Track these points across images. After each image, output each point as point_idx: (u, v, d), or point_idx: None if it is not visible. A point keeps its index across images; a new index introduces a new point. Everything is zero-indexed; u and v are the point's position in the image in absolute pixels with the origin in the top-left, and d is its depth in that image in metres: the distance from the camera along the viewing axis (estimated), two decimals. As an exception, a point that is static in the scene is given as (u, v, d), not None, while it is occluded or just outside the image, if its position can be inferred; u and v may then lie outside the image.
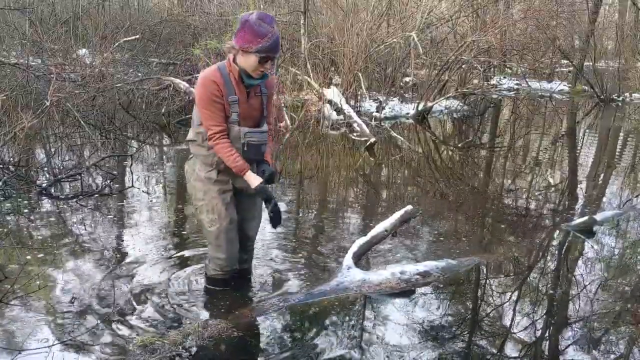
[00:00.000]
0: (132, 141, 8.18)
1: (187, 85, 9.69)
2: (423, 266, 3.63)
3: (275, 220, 3.20)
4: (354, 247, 3.67)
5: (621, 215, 5.15)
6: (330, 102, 9.66)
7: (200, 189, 3.19)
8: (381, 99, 11.15)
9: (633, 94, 15.37)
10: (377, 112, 10.63)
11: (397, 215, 4.02)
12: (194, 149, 3.18)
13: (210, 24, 13.82)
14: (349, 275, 3.42)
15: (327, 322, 3.12)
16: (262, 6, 11.81)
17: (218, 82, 2.93)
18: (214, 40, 10.89)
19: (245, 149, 3.09)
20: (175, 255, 3.97)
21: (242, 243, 3.38)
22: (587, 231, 4.71)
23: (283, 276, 3.68)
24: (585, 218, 4.76)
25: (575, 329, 3.22)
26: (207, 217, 3.20)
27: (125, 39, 12.79)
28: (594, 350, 3.00)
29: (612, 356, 2.96)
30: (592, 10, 16.03)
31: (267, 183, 3.15)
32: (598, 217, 4.82)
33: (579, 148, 9.40)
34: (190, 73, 11.17)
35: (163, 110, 9.55)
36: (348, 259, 3.55)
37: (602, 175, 7.33)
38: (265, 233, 4.38)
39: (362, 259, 3.86)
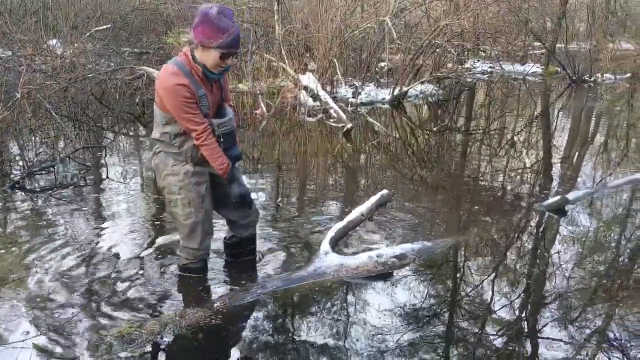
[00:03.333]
0: (107, 132, 8.09)
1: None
2: (399, 249, 3.68)
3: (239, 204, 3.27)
4: (331, 232, 3.70)
5: (593, 194, 5.26)
6: (306, 88, 9.63)
7: (174, 183, 3.14)
8: (357, 85, 11.15)
9: (604, 75, 15.58)
10: (353, 97, 10.63)
11: (373, 199, 4.05)
12: (163, 147, 3.14)
13: (183, 12, 13.66)
14: (327, 260, 3.45)
15: (307, 307, 3.15)
16: (235, -7, 11.70)
17: (185, 83, 2.86)
18: (187, 28, 10.78)
19: (222, 139, 3.08)
20: (151, 245, 3.96)
21: (238, 218, 3.46)
22: (560, 210, 4.80)
23: (261, 263, 3.70)
24: (558, 198, 4.85)
25: (553, 307, 3.30)
26: (182, 211, 3.18)
27: (96, 28, 12.58)
28: (571, 327, 3.07)
29: (589, 332, 3.04)
30: (563, -8, 16.16)
31: (234, 162, 3.18)
32: (570, 196, 4.91)
33: (552, 129, 9.53)
34: (163, 62, 11.03)
35: (137, 100, 9.45)
36: (325, 244, 3.58)
37: (575, 155, 7.45)
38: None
39: (339, 244, 3.89)
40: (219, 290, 3.32)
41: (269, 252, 3.86)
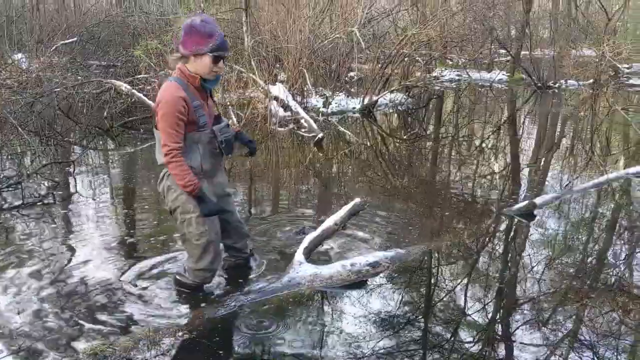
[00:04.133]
0: (75, 147, 7.97)
1: (128, 87, 9.51)
2: (373, 257, 3.70)
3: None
4: (305, 242, 3.71)
5: (559, 198, 5.37)
6: (276, 98, 9.66)
7: (189, 201, 3.14)
8: (327, 94, 11.22)
9: (568, 81, 15.94)
10: (323, 107, 10.70)
11: (346, 208, 4.08)
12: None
13: (151, 24, 13.59)
14: (301, 270, 3.45)
15: (282, 318, 3.15)
16: (202, 4, 11.67)
17: (184, 97, 2.97)
18: (155, 40, 10.72)
19: (224, 145, 3.21)
20: (122, 261, 3.91)
21: (238, 234, 3.56)
22: (528, 215, 4.89)
23: (235, 274, 3.68)
24: (526, 202, 4.94)
25: (525, 310, 3.35)
26: (196, 230, 3.19)
27: (62, 42, 12.44)
28: (543, 329, 3.13)
29: (561, 334, 3.09)
30: (525, 0, 16.53)
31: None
32: (537, 201, 5.01)
33: (520, 135, 9.71)
34: (131, 74, 10.96)
35: (105, 114, 9.34)
36: (299, 255, 3.59)
37: (543, 160, 7.61)
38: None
39: (313, 254, 3.90)
40: (193, 303, 3.29)
41: (243, 264, 3.84)
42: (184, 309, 3.22)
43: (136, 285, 3.51)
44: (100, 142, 8.47)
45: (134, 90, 9.47)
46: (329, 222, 3.88)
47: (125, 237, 4.42)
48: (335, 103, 11.10)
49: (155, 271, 3.72)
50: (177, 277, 3.45)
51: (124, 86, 9.51)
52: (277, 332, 3.01)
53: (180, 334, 2.89)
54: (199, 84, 3.07)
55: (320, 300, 3.39)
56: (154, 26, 13.43)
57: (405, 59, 12.09)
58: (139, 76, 10.58)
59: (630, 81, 16.81)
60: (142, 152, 7.70)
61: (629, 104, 12.68)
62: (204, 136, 3.14)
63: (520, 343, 2.99)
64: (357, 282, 3.54)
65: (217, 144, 3.20)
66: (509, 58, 17.77)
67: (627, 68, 17.82)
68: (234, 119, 8.74)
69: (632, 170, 6.22)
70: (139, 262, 3.87)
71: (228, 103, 9.13)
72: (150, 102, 9.16)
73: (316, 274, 3.43)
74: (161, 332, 2.87)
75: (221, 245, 3.50)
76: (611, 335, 3.07)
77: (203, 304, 3.27)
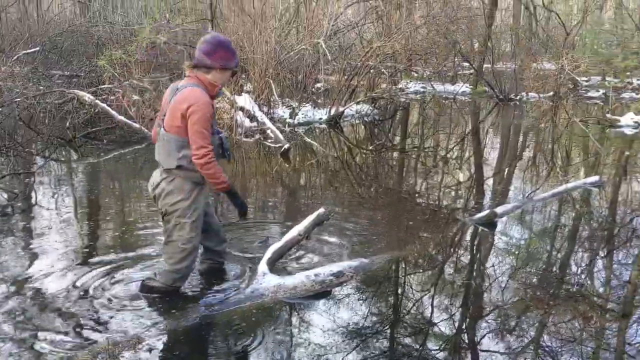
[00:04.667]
0: (36, 157, 7.81)
1: (92, 97, 9.38)
2: (337, 267, 3.72)
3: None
4: (268, 253, 3.71)
5: (519, 207, 5.49)
6: (242, 109, 9.65)
7: (190, 207, 3.30)
8: (294, 105, 11.26)
9: (529, 93, 16.34)
10: (290, 118, 10.73)
11: (310, 218, 4.09)
12: (183, 173, 3.27)
13: (115, 34, 13.46)
14: (264, 281, 3.45)
15: (246, 329, 3.13)
16: (167, 15, 11.61)
17: (211, 102, 3.23)
18: (119, 50, 10.62)
19: (228, 152, 3.49)
20: (83, 273, 3.84)
21: (218, 238, 3.74)
22: (489, 224, 4.99)
23: (197, 285, 3.65)
24: (487, 212, 5.04)
25: (490, 318, 3.41)
26: (187, 235, 3.32)
27: (24, 51, 12.21)
28: (508, 336, 3.19)
29: (525, 341, 3.15)
30: (488, 14, 16.93)
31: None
32: (498, 210, 5.11)
33: (483, 146, 9.90)
34: (95, 85, 10.81)
35: (68, 124, 9.18)
36: (263, 265, 3.59)
37: (505, 171, 7.77)
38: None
39: (278, 264, 3.90)
40: (154, 315, 3.25)
41: (206, 274, 3.82)
42: (145, 321, 3.18)
43: (96, 297, 3.45)
44: (63, 153, 8.32)
45: (97, 101, 9.34)
46: (293, 232, 3.89)
47: (86, 249, 4.34)
48: (302, 114, 11.15)
49: (115, 283, 3.67)
50: (146, 282, 3.44)
51: (87, 96, 9.38)
52: (240, 344, 2.99)
53: (140, 346, 2.86)
54: (216, 93, 3.32)
55: (285, 311, 3.39)
56: (118, 36, 13.31)
57: (371, 71, 12.23)
58: (103, 86, 10.44)
59: (589, 94, 17.33)
60: (106, 163, 7.59)
61: (587, 115, 13.05)
62: (215, 140, 3.31)
63: (486, 351, 3.04)
64: (322, 292, 3.55)
65: (222, 150, 3.39)
66: (472, 71, 18.13)
67: (586, 81, 18.40)
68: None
69: (589, 180, 6.40)
70: (99, 273, 3.81)
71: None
72: (114, 112, 9.05)
73: (280, 285, 3.43)
74: (121, 345, 2.83)
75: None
76: (574, 341, 3.15)
77: (164, 316, 3.23)
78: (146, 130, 8.81)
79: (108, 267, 3.92)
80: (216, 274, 3.82)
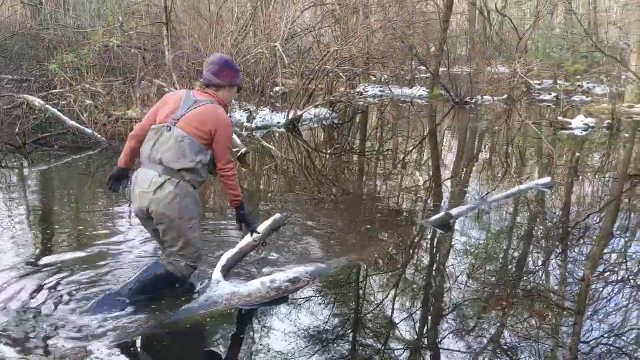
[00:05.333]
0: (-19, 165, 7.53)
1: (42, 102, 9.08)
2: (292, 273, 3.68)
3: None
4: (222, 260, 3.63)
5: (474, 209, 5.56)
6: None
7: (195, 210, 3.46)
8: (251, 109, 11.17)
9: (484, 96, 16.66)
10: (247, 122, 10.63)
11: (265, 224, 4.04)
12: (191, 176, 3.36)
13: (67, 37, 13.10)
14: (218, 289, 3.38)
15: (203, 339, 3.07)
16: (120, 18, 11.38)
17: None
18: (71, 54, 10.33)
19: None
20: (39, 281, 3.68)
21: None
22: (445, 225, 5.04)
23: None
24: (442, 214, 5.09)
25: (450, 318, 3.44)
26: (198, 234, 3.53)
27: (-30, 54, 11.77)
28: (467, 336, 3.22)
29: (485, 339, 3.19)
30: (443, 19, 17.19)
31: None
32: (453, 212, 5.16)
33: (440, 148, 10.03)
34: (45, 89, 10.49)
35: (17, 130, 8.87)
36: (217, 273, 3.51)
37: (462, 173, 7.88)
38: (134, 252, 4.24)
39: (233, 271, 3.84)
40: (102, 326, 3.14)
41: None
42: (92, 332, 3.06)
43: (42, 309, 3.32)
44: (12, 160, 8.03)
45: (47, 106, 9.05)
46: (248, 238, 3.83)
47: (41, 255, 4.17)
48: (260, 117, 11.07)
49: (67, 293, 3.53)
50: (167, 270, 3.45)
51: (37, 101, 9.07)
52: (197, 354, 2.92)
53: (87, 359, 2.76)
54: (227, 110, 3.59)
55: (240, 318, 3.34)
56: (70, 39, 12.95)
57: (329, 74, 12.25)
58: (54, 91, 10.12)
59: (541, 96, 17.77)
60: (57, 170, 7.37)
61: (539, 118, 13.37)
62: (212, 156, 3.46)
63: (447, 350, 3.06)
64: (278, 298, 3.51)
65: (214, 165, 3.49)
66: (428, 75, 18.37)
67: (538, 84, 18.87)
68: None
69: (541, 181, 6.54)
70: (57, 281, 3.67)
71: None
72: (65, 117, 8.79)
73: (234, 292, 3.37)
74: (67, 359, 2.72)
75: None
76: (531, 339, 3.20)
77: (112, 327, 3.12)
78: (99, 136, 8.60)
79: (56, 276, 3.78)
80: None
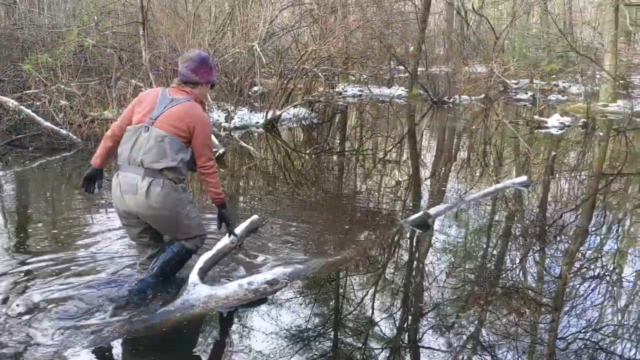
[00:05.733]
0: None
1: (16, 103, 8.92)
2: (271, 274, 3.65)
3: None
4: (199, 263, 3.59)
5: (452, 208, 5.59)
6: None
7: (185, 198, 3.48)
8: (229, 109, 11.10)
9: (462, 96, 16.78)
10: (225, 122, 10.57)
11: (243, 225, 4.01)
12: (174, 174, 3.35)
13: (42, 37, 12.90)
14: (195, 292, 3.34)
15: (180, 343, 3.03)
16: (96, 17, 11.23)
17: None
18: (46, 54, 10.17)
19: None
20: (12, 285, 3.61)
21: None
22: (423, 225, 5.05)
23: (124, 297, 3.50)
24: (420, 213, 5.10)
25: (429, 317, 3.46)
26: (195, 214, 3.59)
27: (-59, 54, 11.52)
28: (447, 334, 3.23)
29: (464, 337, 3.21)
30: (421, 19, 17.29)
31: None
32: (432, 211, 5.18)
33: (419, 148, 10.07)
34: (20, 90, 10.31)
35: (-10, 131, 8.71)
36: (193, 276, 3.47)
37: (441, 172, 7.92)
38: (110, 254, 4.18)
39: (210, 274, 3.80)
40: (77, 330, 3.08)
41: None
42: (67, 337, 3.01)
43: (22, 314, 3.25)
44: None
45: (22, 107, 8.89)
46: (225, 240, 3.80)
47: (11, 262, 4.09)
48: (238, 118, 11.01)
49: (42, 298, 3.46)
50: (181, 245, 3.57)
51: (11, 102, 8.90)
52: (171, 359, 2.89)
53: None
54: (204, 107, 3.56)
55: (218, 320, 3.31)
56: (45, 39, 12.75)
57: (308, 74, 12.24)
58: (28, 91, 9.95)
59: (518, 96, 17.96)
60: (32, 172, 7.24)
61: (516, 117, 13.50)
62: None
63: (428, 348, 3.08)
64: (256, 300, 3.48)
65: (194, 162, 3.51)
66: (407, 74, 18.45)
67: (515, 84, 19.05)
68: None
69: (518, 180, 6.60)
70: (24, 288, 3.60)
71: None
72: (39, 118, 8.65)
73: (211, 295, 3.34)
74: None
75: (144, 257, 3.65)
76: (510, 336, 3.23)
77: (86, 331, 3.07)
78: (74, 137, 8.48)
79: (31, 281, 3.71)
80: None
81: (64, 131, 8.48)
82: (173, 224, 3.50)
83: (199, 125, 3.34)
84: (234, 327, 3.27)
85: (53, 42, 11.95)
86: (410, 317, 3.50)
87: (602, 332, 3.33)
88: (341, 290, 3.86)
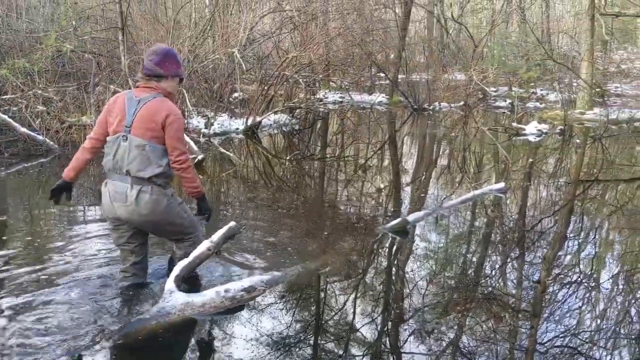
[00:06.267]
0: None
1: (-9, 109, 8.79)
2: (248, 282, 3.63)
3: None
4: (176, 270, 3.55)
5: (430, 214, 5.61)
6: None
7: (174, 201, 3.53)
8: (209, 115, 11.05)
9: (441, 103, 16.89)
10: (205, 128, 10.51)
11: (220, 232, 3.97)
12: (162, 179, 3.41)
13: (19, 42, 12.73)
14: (171, 299, 3.30)
15: (156, 351, 2.99)
16: (74, 22, 11.12)
17: None
18: (23, 59, 10.04)
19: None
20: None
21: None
22: (402, 231, 5.06)
23: (102, 306, 3.45)
24: (399, 220, 5.11)
25: (410, 322, 3.47)
26: (187, 213, 3.66)
27: None
28: (428, 340, 3.24)
29: (444, 343, 3.22)
30: (401, 26, 17.39)
31: None
32: (410, 218, 5.20)
33: (399, 155, 10.11)
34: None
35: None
36: (170, 283, 3.43)
37: (421, 178, 7.95)
38: (87, 262, 4.12)
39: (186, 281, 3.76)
40: (56, 340, 3.02)
41: (114, 294, 3.62)
42: (41, 349, 2.95)
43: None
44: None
45: (2, 115, 8.77)
46: (202, 247, 3.75)
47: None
48: (218, 124, 10.96)
49: (13, 311, 3.40)
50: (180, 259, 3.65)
51: (-9, 107, 8.79)
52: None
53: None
54: (174, 101, 3.55)
55: (195, 328, 3.27)
56: (22, 44, 12.59)
57: (289, 80, 12.24)
58: (5, 97, 9.81)
59: (497, 103, 18.12)
60: (9, 177, 7.13)
61: (495, 124, 13.63)
62: None
63: (409, 354, 3.08)
64: (233, 308, 3.46)
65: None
66: (388, 81, 18.53)
67: (494, 91, 19.24)
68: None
69: (495, 186, 6.65)
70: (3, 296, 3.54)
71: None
72: (16, 124, 8.52)
73: (188, 303, 3.30)
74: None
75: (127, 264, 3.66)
76: (490, 341, 3.25)
77: (61, 341, 3.01)
78: (51, 143, 8.37)
79: (3, 291, 3.64)
80: (125, 293, 3.63)
81: (40, 137, 8.37)
82: (165, 228, 3.59)
83: (168, 118, 3.31)
84: (210, 335, 3.24)
85: (31, 47, 11.81)
86: (389, 324, 3.50)
87: (580, 337, 3.36)
88: (320, 298, 3.85)
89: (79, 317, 3.28)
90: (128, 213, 3.38)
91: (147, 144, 3.31)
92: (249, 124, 11.07)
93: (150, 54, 3.44)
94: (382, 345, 3.24)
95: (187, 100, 10.17)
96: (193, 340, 3.19)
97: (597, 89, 15.26)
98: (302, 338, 3.25)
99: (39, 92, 9.35)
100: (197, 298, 3.36)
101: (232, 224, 3.94)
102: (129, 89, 9.76)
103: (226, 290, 3.47)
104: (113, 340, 3.01)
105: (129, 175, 3.33)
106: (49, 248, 4.52)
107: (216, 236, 3.79)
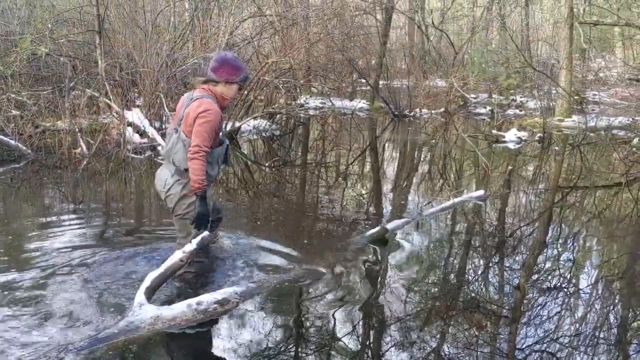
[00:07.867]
0: None
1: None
2: (221, 294, 3.51)
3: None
4: (147, 282, 3.42)
5: (410, 222, 5.55)
6: (132, 124, 9.20)
7: (187, 201, 3.81)
8: (188, 121, 10.89)
9: (422, 110, 16.90)
10: (184, 134, 10.37)
11: (194, 242, 3.86)
12: (185, 176, 3.74)
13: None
14: (141, 312, 3.18)
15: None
16: (50, 25, 10.91)
17: (220, 112, 3.70)
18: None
19: (229, 160, 4.09)
20: None
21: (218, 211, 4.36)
22: (381, 240, 4.98)
23: (67, 319, 3.32)
24: (378, 228, 5.03)
25: (392, 331, 3.42)
26: (186, 225, 3.90)
27: None
28: (408, 348, 3.20)
29: (426, 351, 3.18)
30: (382, 33, 17.39)
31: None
32: (389, 226, 5.12)
33: (380, 161, 10.06)
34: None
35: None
36: (139, 295, 3.31)
37: (400, 186, 7.90)
38: (65, 267, 3.98)
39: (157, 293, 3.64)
40: (24, 355, 2.90)
41: (80, 305, 3.50)
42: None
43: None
44: None
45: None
46: (175, 257, 3.64)
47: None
48: (197, 130, 10.81)
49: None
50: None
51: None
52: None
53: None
54: (226, 105, 3.86)
55: (166, 342, 3.16)
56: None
57: (269, 85, 12.13)
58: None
59: (477, 110, 18.21)
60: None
61: (475, 131, 13.65)
62: (221, 150, 3.86)
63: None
64: (206, 321, 3.34)
65: (225, 157, 3.97)
66: (369, 87, 18.51)
67: (474, 98, 19.32)
68: (84, 147, 8.18)
69: (475, 194, 6.62)
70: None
71: (77, 129, 8.54)
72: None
73: (158, 316, 3.18)
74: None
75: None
76: (471, 347, 3.23)
77: (29, 355, 2.88)
78: (24, 148, 8.17)
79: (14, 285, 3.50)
80: (95, 304, 3.51)
81: (12, 142, 8.16)
82: (180, 222, 3.96)
83: (203, 115, 3.58)
84: (182, 350, 3.14)
85: (6, 50, 11.56)
86: (370, 333, 3.45)
87: (559, 342, 3.36)
88: (297, 310, 3.75)
89: (40, 333, 3.14)
90: (163, 197, 3.88)
91: (185, 139, 3.68)
92: (228, 129, 10.94)
93: (210, 60, 3.78)
94: (364, 355, 3.16)
95: (165, 105, 10.02)
96: (162, 357, 3.07)
97: (576, 97, 15.39)
98: (279, 351, 3.15)
99: (13, 95, 9.13)
100: (168, 311, 3.24)
101: (205, 233, 3.83)
102: (106, 93, 9.63)
103: (198, 303, 3.35)
104: (79, 357, 2.88)
105: (174, 164, 3.76)
106: (20, 254, 4.37)
107: (189, 246, 3.67)
